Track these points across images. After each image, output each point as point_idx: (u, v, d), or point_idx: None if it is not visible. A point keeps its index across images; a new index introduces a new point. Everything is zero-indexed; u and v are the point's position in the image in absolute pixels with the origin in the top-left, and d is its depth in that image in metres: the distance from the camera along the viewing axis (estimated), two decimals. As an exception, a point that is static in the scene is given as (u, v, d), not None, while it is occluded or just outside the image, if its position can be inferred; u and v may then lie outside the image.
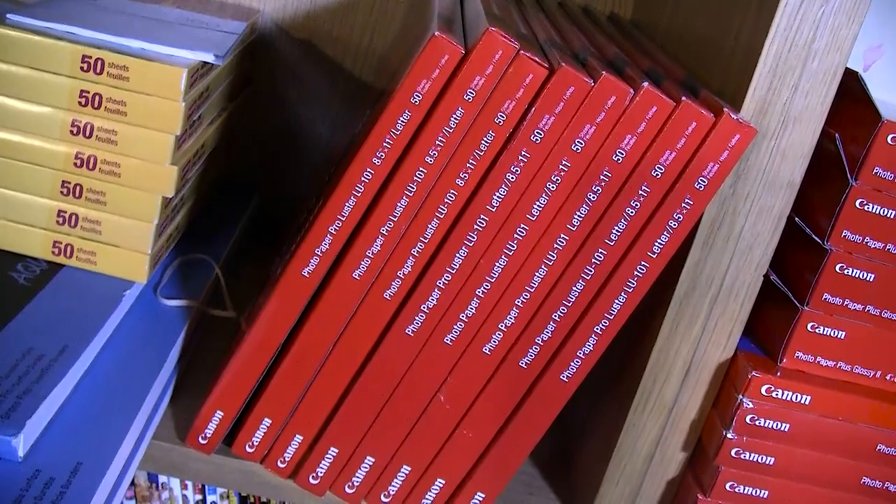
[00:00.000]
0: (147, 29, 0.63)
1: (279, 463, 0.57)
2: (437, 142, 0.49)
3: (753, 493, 0.58)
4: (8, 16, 0.59)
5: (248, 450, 0.57)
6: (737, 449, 0.56)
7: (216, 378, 0.57)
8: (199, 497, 0.76)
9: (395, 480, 0.57)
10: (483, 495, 0.57)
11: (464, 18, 0.57)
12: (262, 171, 0.85)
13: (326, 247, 0.52)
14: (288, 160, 0.81)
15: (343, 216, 0.51)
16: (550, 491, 0.65)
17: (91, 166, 0.60)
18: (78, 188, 0.61)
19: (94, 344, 0.56)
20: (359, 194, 0.51)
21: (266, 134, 0.83)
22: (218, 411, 0.56)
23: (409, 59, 0.50)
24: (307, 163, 0.84)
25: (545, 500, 0.64)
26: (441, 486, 0.57)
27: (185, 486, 0.76)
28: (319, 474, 0.57)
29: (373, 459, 0.57)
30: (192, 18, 0.69)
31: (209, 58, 0.61)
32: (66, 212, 0.61)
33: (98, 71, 0.58)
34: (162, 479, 0.76)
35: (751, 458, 0.57)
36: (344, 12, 0.79)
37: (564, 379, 0.54)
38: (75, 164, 0.60)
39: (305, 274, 0.53)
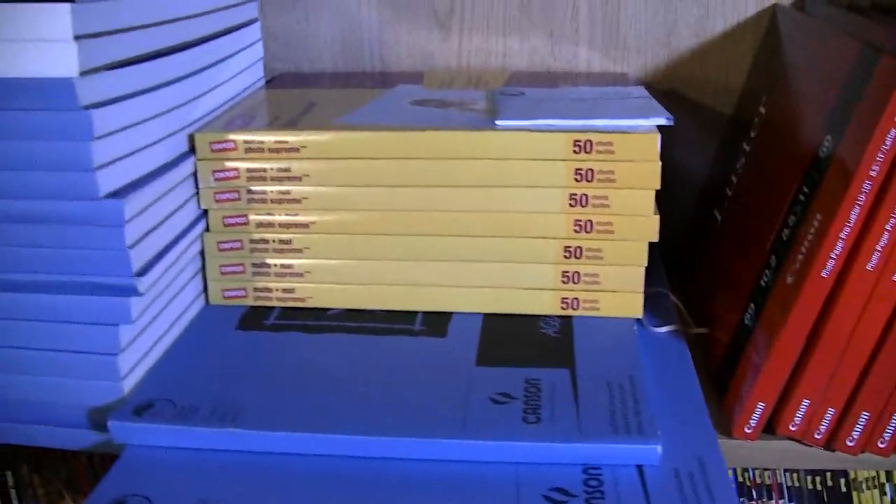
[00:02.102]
0: (594, 108, 0.75)
1: (815, 435, 0.69)
2: (923, 147, 0.61)
3: None
4: (497, 122, 0.72)
5: (791, 429, 0.69)
6: None
7: (748, 376, 0.69)
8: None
9: (921, 428, 0.69)
10: None
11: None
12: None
13: (839, 250, 0.64)
14: (667, 197, 0.94)
15: (850, 223, 0.63)
16: None
17: (588, 230, 0.73)
18: (578, 250, 0.74)
19: (647, 369, 0.68)
20: (861, 202, 0.62)
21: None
22: (759, 403, 0.68)
23: (833, 84, 0.62)
24: (687, 196, 0.96)
25: None
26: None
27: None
28: (854, 437, 0.68)
29: (902, 415, 0.68)
30: (606, 92, 0.81)
31: (662, 121, 0.73)
32: (569, 271, 0.74)
33: (588, 150, 0.71)
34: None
35: None
36: (699, 58, 0.92)
37: None
38: (574, 230, 0.73)
39: (824, 275, 0.64)
